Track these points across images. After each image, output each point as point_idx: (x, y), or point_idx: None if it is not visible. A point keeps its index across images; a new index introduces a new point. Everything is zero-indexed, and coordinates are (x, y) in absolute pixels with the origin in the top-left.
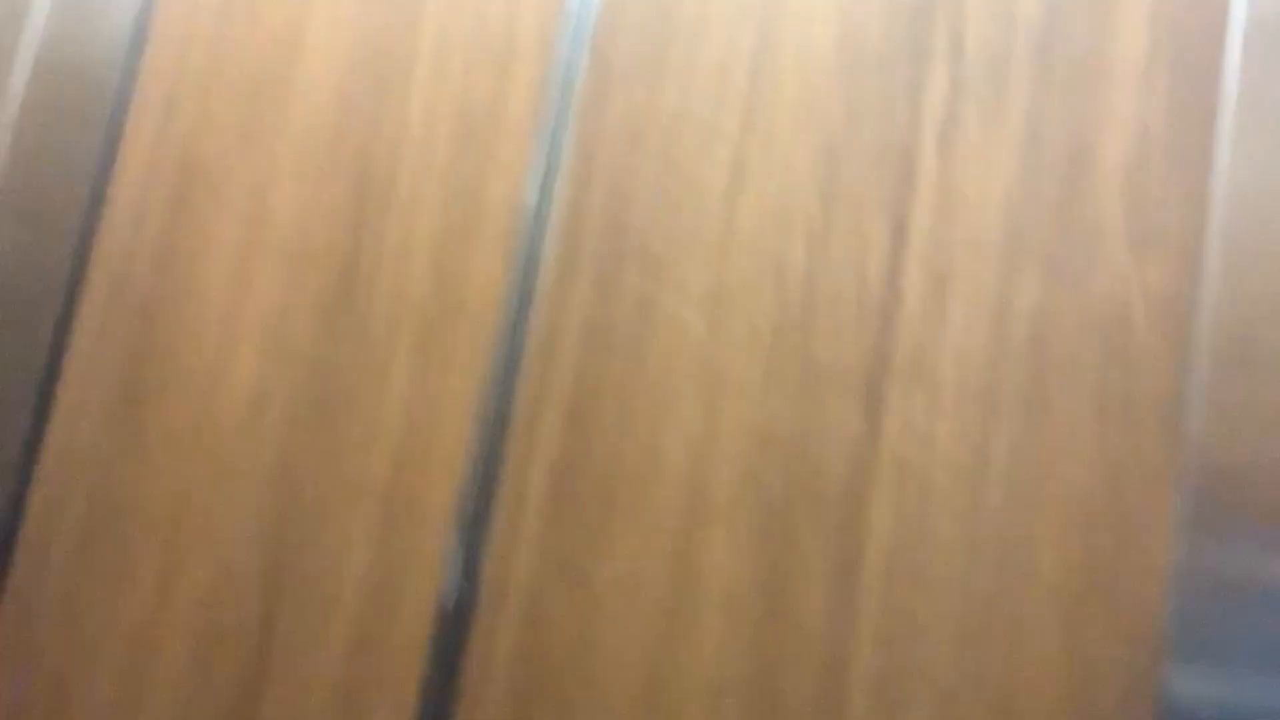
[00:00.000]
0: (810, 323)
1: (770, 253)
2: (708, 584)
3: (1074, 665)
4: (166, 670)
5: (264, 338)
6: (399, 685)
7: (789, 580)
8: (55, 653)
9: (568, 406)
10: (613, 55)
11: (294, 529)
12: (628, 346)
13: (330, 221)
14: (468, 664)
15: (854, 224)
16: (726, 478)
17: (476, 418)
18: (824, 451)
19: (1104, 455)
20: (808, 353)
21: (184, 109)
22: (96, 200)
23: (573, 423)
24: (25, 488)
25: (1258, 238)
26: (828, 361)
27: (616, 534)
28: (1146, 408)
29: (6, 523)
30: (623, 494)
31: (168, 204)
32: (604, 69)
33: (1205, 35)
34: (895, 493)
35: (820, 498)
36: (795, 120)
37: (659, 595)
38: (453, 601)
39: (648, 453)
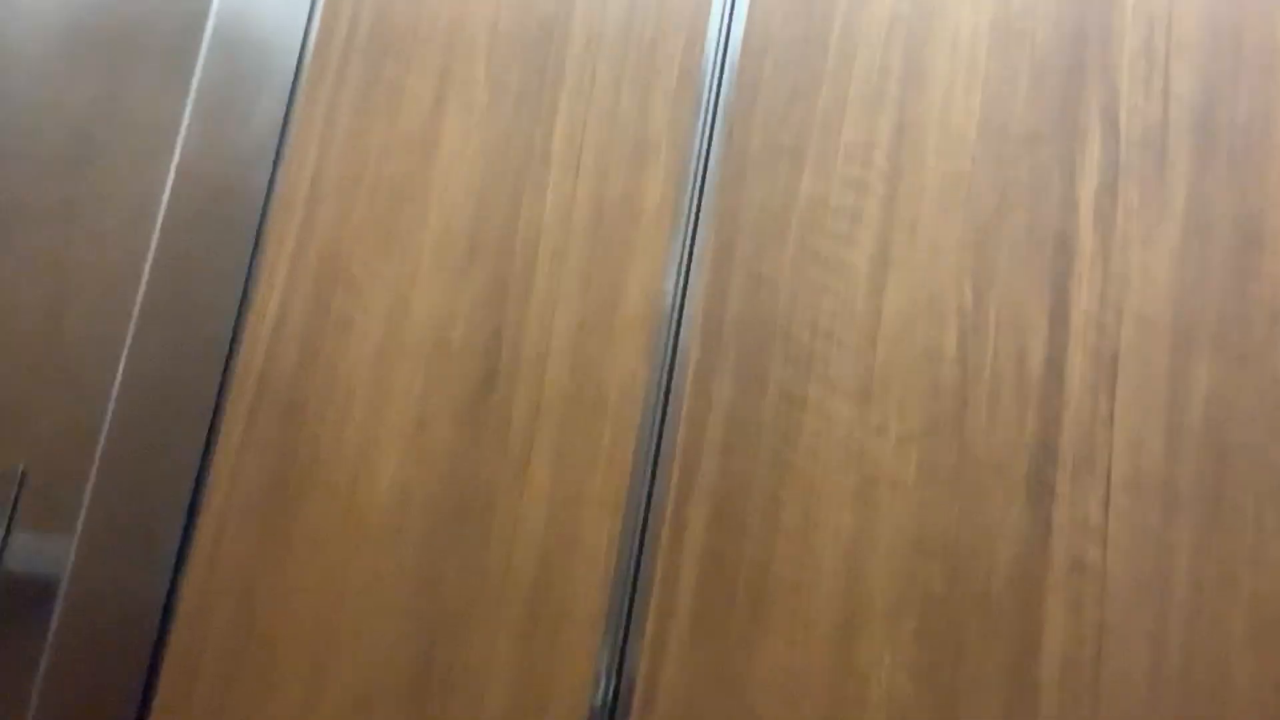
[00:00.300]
0: (967, 412)
1: (921, 340)
2: (870, 691)
3: None
4: None
5: (405, 437)
6: None
7: (958, 689)
8: None
9: (714, 503)
10: (748, 143)
11: (439, 631)
12: (774, 441)
13: (469, 320)
14: None
15: (1010, 308)
16: (885, 577)
17: (621, 515)
18: (990, 549)
19: None
20: (966, 444)
21: (323, 214)
22: (241, 306)
23: (720, 520)
24: (174, 592)
25: None
26: (988, 453)
27: (770, 636)
28: None
29: (158, 627)
30: (775, 594)
31: (309, 307)
32: (739, 158)
33: None
34: (1070, 593)
35: (988, 599)
36: (941, 203)
37: (817, 703)
38: (602, 705)
39: (800, 551)
